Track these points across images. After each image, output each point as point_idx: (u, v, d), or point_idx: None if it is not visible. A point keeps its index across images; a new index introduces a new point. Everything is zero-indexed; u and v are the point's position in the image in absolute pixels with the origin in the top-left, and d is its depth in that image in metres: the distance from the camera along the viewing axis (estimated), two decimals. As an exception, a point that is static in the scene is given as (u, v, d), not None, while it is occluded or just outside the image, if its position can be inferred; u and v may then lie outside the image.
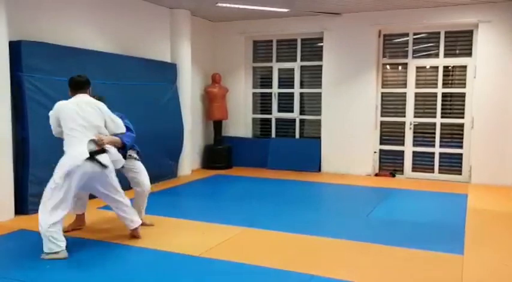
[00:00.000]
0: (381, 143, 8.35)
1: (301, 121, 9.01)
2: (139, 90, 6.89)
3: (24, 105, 5.14)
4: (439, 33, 7.77)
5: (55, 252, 3.78)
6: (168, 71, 7.64)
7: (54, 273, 3.54)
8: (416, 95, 8.03)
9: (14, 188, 5.09)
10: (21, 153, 5.20)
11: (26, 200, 5.17)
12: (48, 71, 5.42)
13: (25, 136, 5.15)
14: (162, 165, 7.40)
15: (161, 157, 7.32)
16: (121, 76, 6.55)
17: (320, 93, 8.56)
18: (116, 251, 4.07)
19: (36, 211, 5.17)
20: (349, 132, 8.28)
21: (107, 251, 4.08)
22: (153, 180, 7.04)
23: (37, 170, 5.21)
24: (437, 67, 7.86)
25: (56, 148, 5.34)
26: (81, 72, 5.77)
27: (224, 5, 7.34)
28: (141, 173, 4.75)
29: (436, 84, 7.87)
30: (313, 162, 8.53)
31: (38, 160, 5.20)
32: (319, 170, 8.52)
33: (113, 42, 6.70)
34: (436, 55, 7.85)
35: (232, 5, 7.41)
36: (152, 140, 7.01)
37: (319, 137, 8.59)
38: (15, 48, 5.06)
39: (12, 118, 5.05)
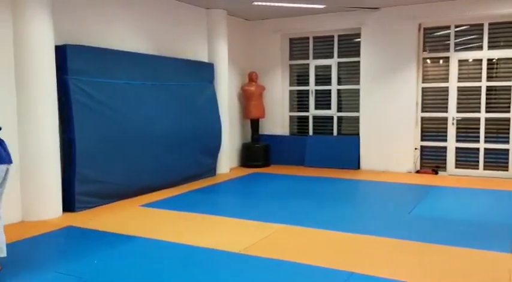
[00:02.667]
0: (422, 140, 8.15)
1: (339, 118, 8.92)
2: (178, 90, 7.02)
3: (70, 107, 5.34)
4: (482, 24, 7.50)
5: None
6: (205, 71, 7.75)
7: (101, 267, 3.67)
8: (459, 89, 7.79)
9: (61, 186, 5.31)
10: (68, 153, 5.39)
11: (73, 198, 5.38)
12: (91, 73, 5.61)
13: (71, 137, 5.35)
14: (201, 164, 7.52)
15: (200, 155, 7.45)
16: (160, 77, 6.69)
17: (358, 89, 8.45)
18: (157, 248, 4.17)
19: (82, 208, 5.43)
20: (388, 128, 8.13)
21: (149, 247, 4.19)
22: (192, 178, 7.29)
23: (83, 169, 5.41)
24: (480, 60, 7.59)
25: (100, 148, 5.60)
26: (122, 74, 6.04)
27: (260, 3, 7.36)
28: None
29: (480, 77, 7.60)
30: (352, 160, 8.44)
31: (84, 160, 5.40)
32: (358, 167, 8.41)
33: (152, 44, 6.86)
34: (480, 48, 7.58)
35: (268, 3, 7.41)
36: (191, 139, 7.15)
37: (358, 134, 8.49)
38: (61, 52, 5.27)
39: (59, 120, 5.27)
